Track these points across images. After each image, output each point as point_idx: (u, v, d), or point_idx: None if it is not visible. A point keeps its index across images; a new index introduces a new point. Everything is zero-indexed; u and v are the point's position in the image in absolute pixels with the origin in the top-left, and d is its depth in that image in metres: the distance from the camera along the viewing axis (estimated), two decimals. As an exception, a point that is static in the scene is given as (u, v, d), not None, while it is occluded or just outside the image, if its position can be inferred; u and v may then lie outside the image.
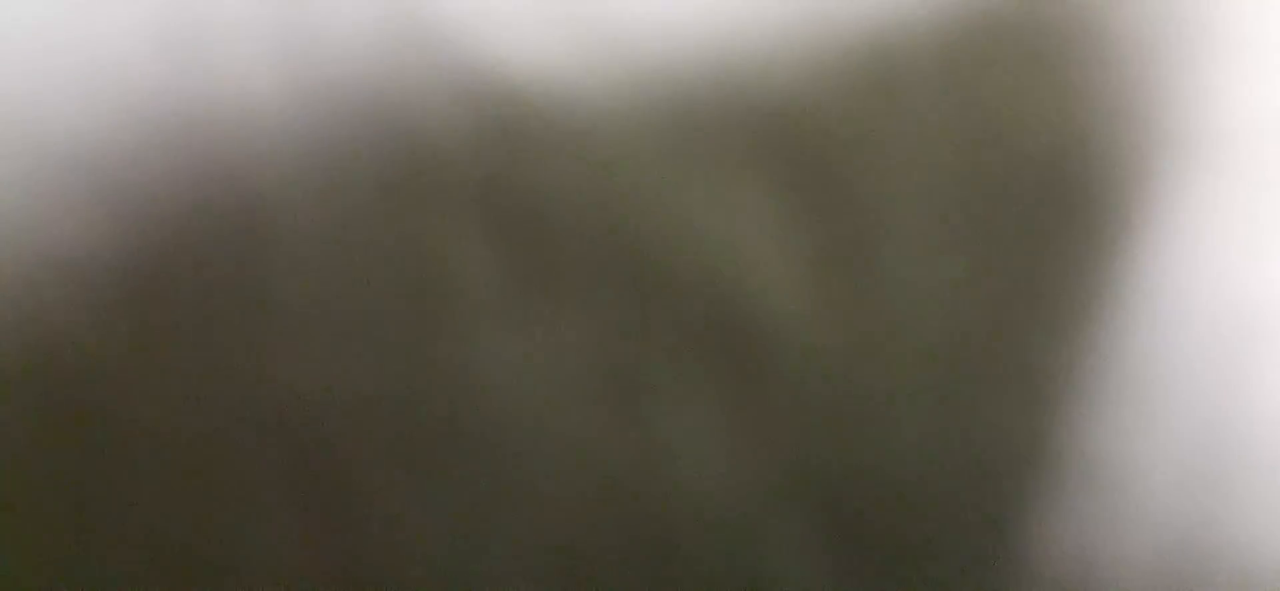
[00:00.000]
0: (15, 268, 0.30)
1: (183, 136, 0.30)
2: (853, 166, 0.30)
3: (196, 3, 0.30)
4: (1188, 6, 0.29)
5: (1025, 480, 0.30)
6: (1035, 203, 0.30)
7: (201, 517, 0.30)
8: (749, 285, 0.30)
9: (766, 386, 0.30)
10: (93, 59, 0.30)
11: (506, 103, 0.30)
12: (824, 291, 0.30)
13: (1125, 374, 0.30)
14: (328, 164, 0.30)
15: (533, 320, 0.30)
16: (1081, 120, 0.30)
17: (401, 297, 0.30)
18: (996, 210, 0.30)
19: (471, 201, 0.30)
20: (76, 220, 0.30)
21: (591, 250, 0.30)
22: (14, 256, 0.30)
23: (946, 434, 0.30)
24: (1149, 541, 0.30)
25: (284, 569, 0.30)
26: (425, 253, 0.30)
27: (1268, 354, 0.30)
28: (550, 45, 0.30)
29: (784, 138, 0.30)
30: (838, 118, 0.30)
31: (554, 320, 0.30)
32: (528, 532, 0.30)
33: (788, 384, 0.30)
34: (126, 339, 0.30)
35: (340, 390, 0.30)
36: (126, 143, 0.30)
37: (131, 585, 0.30)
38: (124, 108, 0.30)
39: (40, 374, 0.30)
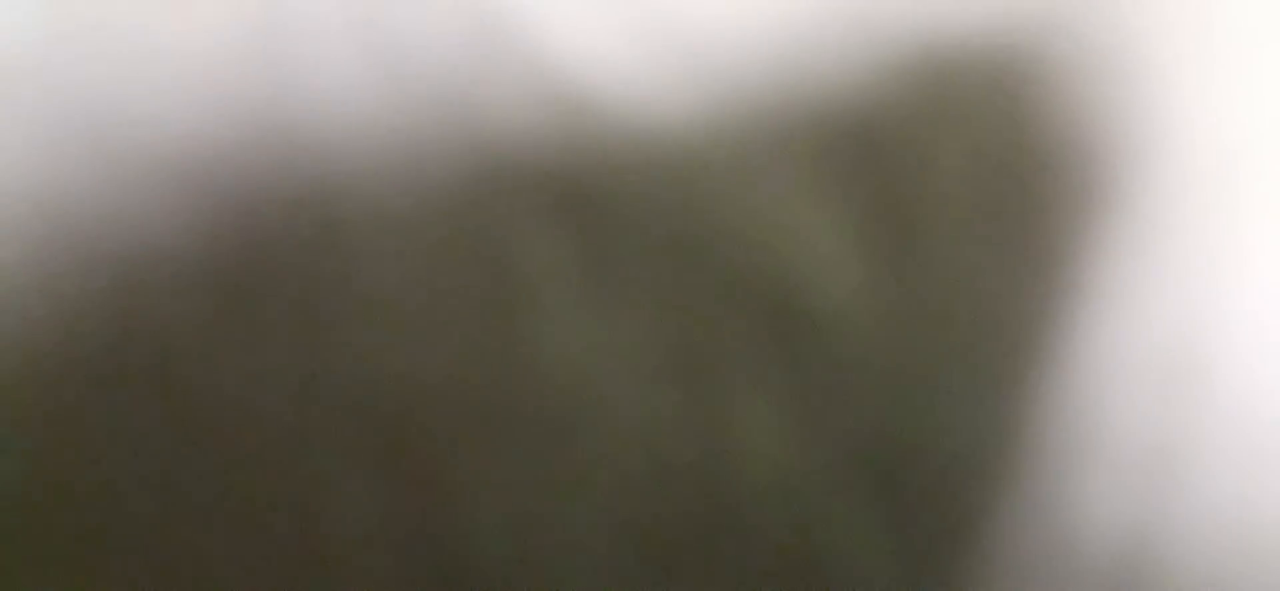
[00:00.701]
0: (112, 261, 0.31)
1: (271, 131, 0.31)
2: (902, 165, 0.31)
3: (284, 2, 0.31)
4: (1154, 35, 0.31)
5: (1063, 455, 0.31)
6: (1059, 199, 0.31)
7: (289, 493, 0.31)
8: (806, 275, 0.31)
9: (822, 370, 0.31)
10: (184, 57, 0.31)
11: (581, 104, 0.31)
12: (875, 280, 0.31)
13: (1173, 356, 0.31)
14: (410, 159, 0.31)
15: (603, 308, 0.31)
16: (1089, 126, 0.31)
17: (480, 286, 0.31)
18: (1028, 204, 0.31)
19: (546, 197, 0.31)
20: (171, 213, 0.31)
21: (658, 243, 0.31)
22: (110, 250, 0.31)
23: (988, 411, 0.31)
24: (1192, 522, 0.31)
25: (367, 540, 0.31)
26: (502, 244, 0.31)
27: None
28: (623, 50, 0.31)
29: (839, 138, 0.31)
30: (889, 120, 0.31)
31: (623, 308, 0.31)
32: (596, 507, 0.31)
33: (841, 367, 0.31)
34: (220, 326, 0.31)
35: (422, 373, 0.31)
36: (217, 138, 0.31)
37: (224, 560, 0.31)
38: (214, 104, 0.31)
39: (136, 363, 0.31)
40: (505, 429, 0.31)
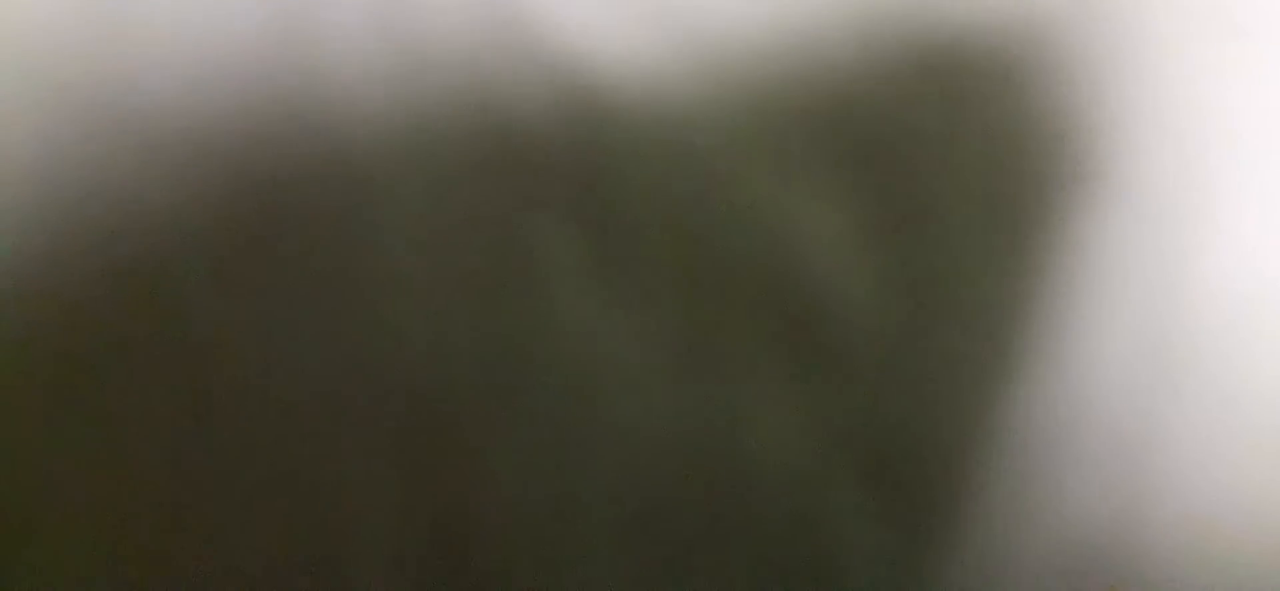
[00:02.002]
0: (137, 238, 0.32)
1: (294, 118, 0.32)
2: (907, 159, 0.32)
3: None
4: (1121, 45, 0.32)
5: (1056, 448, 0.32)
6: (1051, 193, 0.32)
7: (312, 462, 0.32)
8: (811, 266, 0.32)
9: (825, 359, 0.32)
10: (211, 46, 0.32)
11: (594, 94, 0.32)
12: (880, 272, 0.32)
13: (1156, 347, 0.32)
14: (428, 143, 0.32)
15: (615, 295, 0.32)
16: (1081, 121, 0.32)
17: (495, 272, 0.32)
18: (1024, 197, 0.32)
19: (561, 185, 0.32)
20: (195, 195, 0.32)
21: (669, 232, 0.32)
22: (136, 228, 0.32)
23: (986, 403, 0.32)
24: (1179, 511, 0.32)
25: (383, 519, 0.32)
26: (517, 231, 0.32)
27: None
28: (636, 41, 0.32)
29: (844, 132, 0.32)
30: (895, 114, 0.32)
31: (634, 295, 0.32)
32: (608, 488, 0.32)
33: (844, 357, 0.32)
34: (242, 306, 0.32)
35: (438, 355, 0.32)
36: (242, 123, 0.32)
37: (245, 526, 0.32)
38: (239, 91, 0.32)
39: (157, 340, 0.32)
40: (518, 412, 0.32)
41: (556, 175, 0.32)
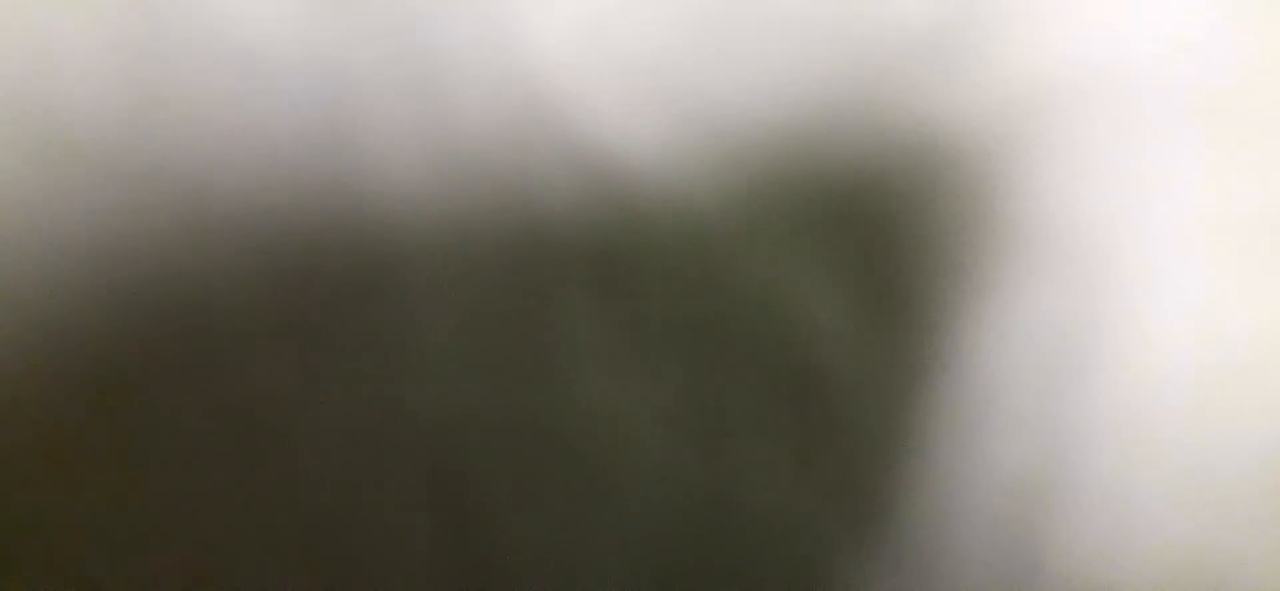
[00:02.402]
0: (182, 308, 0.34)
1: (332, 192, 0.34)
2: (897, 236, 0.34)
3: (350, 84, 0.34)
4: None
5: (1040, 503, 0.35)
6: (990, 252, 0.34)
7: (347, 523, 0.34)
8: (811, 336, 0.34)
9: (824, 421, 0.34)
10: (262, 136, 0.34)
11: (613, 178, 0.34)
12: (864, 341, 0.34)
13: (1118, 410, 0.35)
14: (460, 226, 0.34)
15: (629, 363, 0.34)
16: (1013, 201, 0.35)
17: (521, 342, 0.34)
18: (968, 257, 0.34)
19: (582, 263, 0.34)
20: (247, 271, 0.34)
21: (681, 305, 0.34)
22: (181, 298, 0.34)
23: (972, 460, 0.34)
24: (1143, 563, 0.35)
25: (415, 568, 0.34)
26: (541, 305, 0.34)
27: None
28: (651, 130, 0.34)
29: (836, 218, 0.34)
30: (877, 203, 0.34)
31: (647, 364, 0.34)
32: (621, 543, 0.34)
33: (841, 419, 0.34)
34: (288, 373, 0.34)
35: (467, 419, 0.34)
36: (290, 206, 0.34)
37: (281, 579, 0.34)
38: (288, 177, 0.34)
39: (204, 402, 0.34)
40: (540, 469, 0.34)
41: (579, 255, 0.34)
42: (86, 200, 0.34)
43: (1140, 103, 0.35)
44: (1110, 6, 0.35)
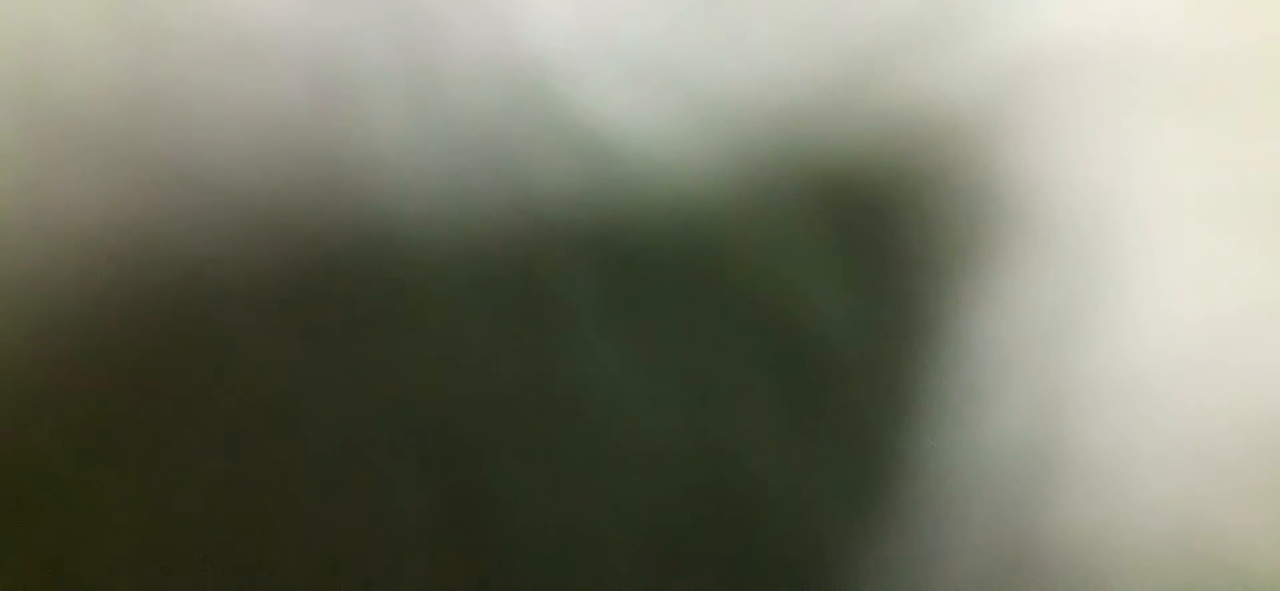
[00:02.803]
0: (187, 290, 0.34)
1: (332, 175, 0.34)
2: (892, 214, 0.35)
3: (347, 69, 0.34)
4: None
5: (1035, 481, 0.35)
6: (991, 242, 0.35)
7: (346, 497, 0.34)
8: (807, 312, 0.35)
9: (821, 397, 0.35)
10: (259, 115, 0.34)
11: (611, 160, 0.34)
12: (859, 318, 0.35)
13: (1113, 384, 0.35)
14: (459, 206, 0.34)
15: (628, 341, 0.34)
16: (1017, 187, 0.35)
17: (519, 318, 0.34)
18: (970, 247, 0.35)
19: (580, 242, 0.34)
20: (245, 249, 0.34)
21: (678, 285, 0.34)
22: (186, 280, 0.34)
23: (969, 434, 0.35)
24: (1141, 530, 0.35)
25: (412, 542, 0.34)
26: (539, 283, 0.34)
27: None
28: (649, 112, 0.34)
29: (837, 189, 0.35)
30: (875, 182, 0.35)
31: (645, 342, 0.34)
32: (620, 514, 0.35)
33: (838, 394, 0.35)
34: (287, 349, 0.34)
35: (466, 393, 0.34)
36: (287, 185, 0.34)
37: (283, 558, 0.34)
38: (285, 156, 0.34)
39: (209, 381, 0.34)
40: (539, 445, 0.35)
41: (576, 234, 0.34)
42: (86, 185, 0.34)
43: (1132, 79, 0.35)
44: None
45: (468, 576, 0.34)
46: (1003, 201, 0.35)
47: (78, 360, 0.34)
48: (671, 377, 0.35)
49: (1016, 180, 0.35)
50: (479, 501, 0.34)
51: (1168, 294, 0.35)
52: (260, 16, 0.34)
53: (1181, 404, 0.35)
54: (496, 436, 0.35)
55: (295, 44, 0.34)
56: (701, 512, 0.35)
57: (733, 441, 0.35)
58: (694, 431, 0.35)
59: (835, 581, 0.35)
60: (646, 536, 0.35)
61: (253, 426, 0.34)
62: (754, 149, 0.35)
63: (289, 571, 0.34)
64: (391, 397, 0.34)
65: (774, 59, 0.35)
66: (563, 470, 0.35)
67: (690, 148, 0.35)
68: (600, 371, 0.35)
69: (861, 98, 0.35)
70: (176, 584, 0.34)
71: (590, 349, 0.35)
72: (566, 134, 0.34)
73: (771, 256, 0.35)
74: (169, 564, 0.34)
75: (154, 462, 0.34)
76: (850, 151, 0.35)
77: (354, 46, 0.34)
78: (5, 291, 0.34)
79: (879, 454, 0.35)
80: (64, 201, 0.34)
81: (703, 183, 0.35)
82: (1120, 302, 0.35)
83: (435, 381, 0.34)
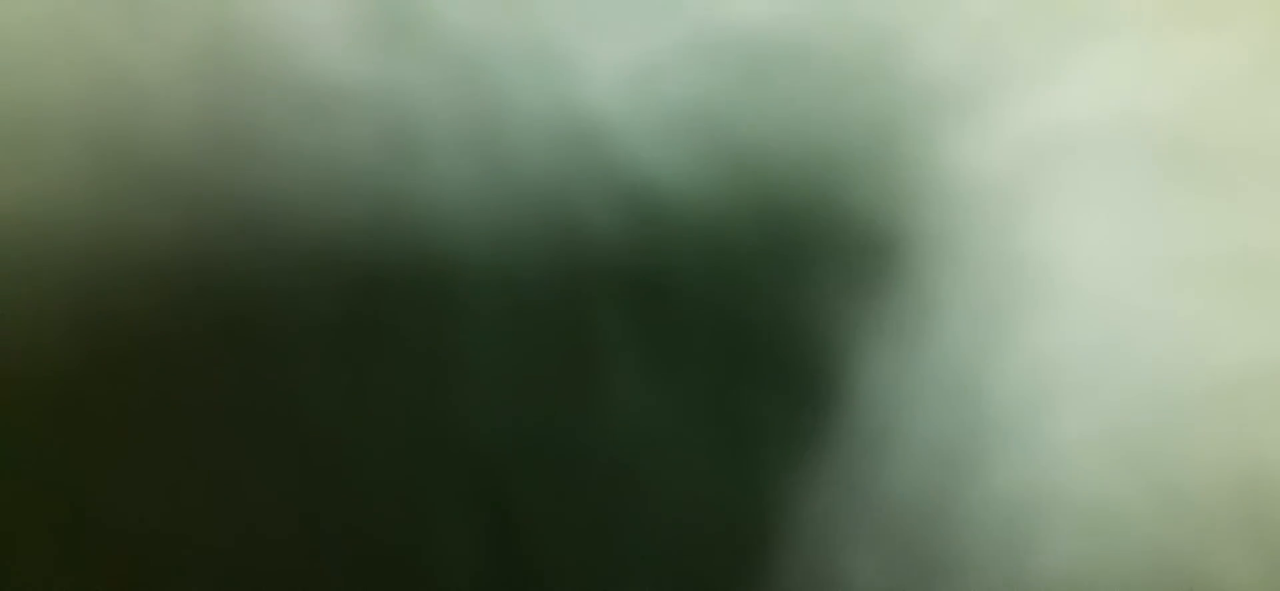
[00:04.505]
0: (259, 325, 0.35)
1: (392, 219, 0.36)
2: (907, 264, 0.36)
3: (412, 118, 0.36)
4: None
5: (1031, 515, 0.36)
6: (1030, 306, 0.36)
7: (389, 528, 0.35)
8: (830, 351, 0.36)
9: (842, 430, 0.36)
10: (329, 163, 0.36)
11: (652, 209, 0.36)
12: (888, 357, 0.36)
13: (1105, 431, 0.37)
14: (509, 248, 0.36)
15: (663, 379, 0.36)
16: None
17: (561, 355, 0.36)
18: (1002, 301, 0.37)
19: (621, 284, 0.36)
20: (311, 287, 0.36)
21: (709, 321, 0.36)
22: (259, 316, 0.35)
23: (973, 468, 0.36)
24: (1124, 565, 0.37)
25: (456, 567, 0.35)
26: (582, 324, 0.36)
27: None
28: (688, 166, 0.36)
29: (853, 232, 0.36)
30: (895, 227, 0.36)
31: (679, 379, 0.36)
32: (651, 538, 0.36)
33: (858, 430, 0.36)
34: (345, 379, 0.35)
35: (510, 430, 0.36)
36: (348, 223, 0.36)
37: (332, 579, 0.35)
38: (348, 196, 0.36)
39: (273, 414, 0.35)
40: (578, 476, 0.36)
41: (618, 277, 0.36)
42: (158, 219, 0.35)
43: (1120, 154, 0.37)
44: (1095, 71, 0.37)
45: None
46: (1008, 259, 0.37)
47: (148, 391, 0.35)
48: (702, 413, 0.36)
49: (1021, 240, 0.37)
50: (517, 536, 0.35)
51: (1157, 347, 0.36)
52: (333, 69, 0.36)
53: (1168, 454, 0.36)
54: (536, 467, 0.36)
55: (365, 97, 0.36)
56: (725, 538, 0.36)
57: (756, 470, 0.36)
58: (720, 462, 0.36)
59: None
60: (673, 559, 0.36)
61: (303, 453, 0.35)
62: (787, 197, 0.36)
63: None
64: (437, 432, 0.36)
65: (806, 120, 0.36)
66: (598, 500, 0.36)
67: (727, 197, 0.36)
68: (635, 408, 0.36)
69: (884, 157, 0.37)
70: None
71: (627, 387, 0.36)
72: (615, 186, 0.36)
73: (794, 293, 0.36)
74: (209, 583, 0.35)
75: (206, 482, 0.35)
76: (872, 205, 0.36)
77: (420, 100, 0.36)
78: (84, 326, 0.35)
79: (893, 488, 0.36)
80: (132, 233, 0.35)
81: (738, 230, 0.36)
82: (1113, 355, 0.37)
83: (480, 418, 0.36)
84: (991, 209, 0.37)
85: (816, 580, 0.36)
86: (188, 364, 0.35)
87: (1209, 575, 0.36)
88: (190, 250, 0.35)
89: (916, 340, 0.36)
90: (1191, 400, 0.37)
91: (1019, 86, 0.37)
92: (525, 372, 0.36)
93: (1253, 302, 0.37)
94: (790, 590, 0.36)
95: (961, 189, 0.37)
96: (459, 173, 0.36)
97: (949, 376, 0.36)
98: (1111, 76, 0.37)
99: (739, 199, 0.36)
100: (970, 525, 0.36)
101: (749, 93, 0.36)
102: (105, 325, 0.35)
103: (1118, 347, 0.37)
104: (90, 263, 0.35)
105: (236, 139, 0.36)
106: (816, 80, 0.37)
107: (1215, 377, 0.37)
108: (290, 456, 0.35)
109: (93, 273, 0.35)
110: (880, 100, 0.37)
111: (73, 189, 0.35)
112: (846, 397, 0.36)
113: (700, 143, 0.36)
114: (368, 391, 0.35)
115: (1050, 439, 0.36)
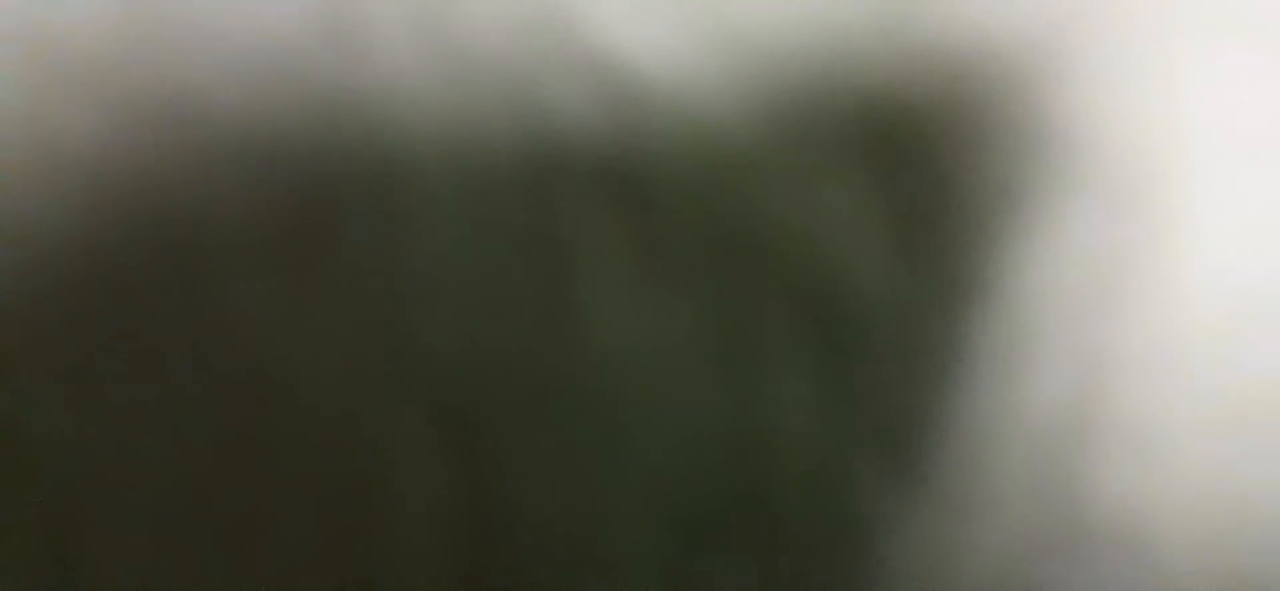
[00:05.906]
0: (183, 226, 0.33)
1: (339, 116, 0.33)
2: (924, 157, 0.33)
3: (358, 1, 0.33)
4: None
5: (1075, 444, 0.33)
6: (1035, 182, 0.33)
7: (352, 461, 0.33)
8: (838, 261, 0.33)
9: (852, 350, 0.33)
10: (258, 49, 0.33)
11: (634, 95, 0.33)
12: (901, 266, 0.33)
13: (1157, 336, 0.34)
14: (471, 143, 0.33)
15: (650, 289, 0.33)
16: (1066, 122, 0.34)
17: (532, 267, 0.33)
18: (1013, 188, 0.33)
19: (600, 182, 0.33)
20: (241, 189, 0.33)
21: (705, 229, 0.33)
22: (182, 216, 0.33)
23: (1006, 395, 0.33)
24: (1183, 494, 0.34)
25: (420, 506, 0.33)
26: (556, 226, 0.33)
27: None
28: (675, 43, 0.33)
29: (868, 129, 0.33)
30: (913, 115, 0.33)
31: (669, 290, 0.33)
32: (639, 477, 0.33)
33: (870, 348, 0.33)
34: (284, 297, 0.33)
35: (477, 346, 0.33)
36: (287, 121, 0.33)
37: (288, 520, 0.33)
38: (284, 90, 0.33)
39: (203, 322, 0.33)
40: (554, 401, 0.33)
41: (596, 174, 0.33)
42: (81, 119, 0.33)
43: (1178, 13, 0.34)
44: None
45: (476, 553, 0.33)
46: (1047, 142, 0.34)
47: (68, 297, 0.33)
48: (695, 333, 0.33)
49: (1062, 119, 0.34)
50: (486, 462, 0.33)
51: (1218, 247, 0.33)
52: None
53: (1226, 355, 0.33)
54: (507, 393, 0.33)
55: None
56: (722, 479, 0.33)
57: (759, 404, 0.33)
58: (718, 392, 0.33)
59: (865, 534, 0.33)
60: (670, 511, 0.33)
61: (246, 376, 0.33)
62: (785, 82, 0.33)
63: (287, 531, 0.33)
64: (394, 352, 0.33)
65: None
66: (576, 431, 0.33)
67: (716, 78, 0.33)
68: (619, 324, 0.33)
69: (900, 30, 0.33)
70: (166, 541, 0.33)
71: (609, 299, 0.33)
72: (583, 59, 0.33)
73: (803, 193, 0.33)
74: (158, 520, 0.33)
75: (144, 407, 0.33)
76: (887, 86, 0.33)
77: (359, -29, 0.33)
78: (1, 235, 0.33)
79: (915, 415, 0.33)
80: (58, 135, 0.33)
81: (729, 116, 0.33)
82: (1169, 256, 0.33)
83: (441, 336, 0.33)
84: (1023, 82, 0.34)
85: (826, 513, 0.33)
86: (109, 274, 0.33)
87: None
88: (111, 149, 0.33)
89: (944, 239, 0.33)
90: (1259, 299, 0.33)
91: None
92: (490, 286, 0.33)
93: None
94: (794, 526, 0.33)
95: (987, 63, 0.33)
96: (407, 59, 0.33)
97: (977, 279, 0.33)
98: None
99: (732, 79, 0.33)
100: (994, 443, 0.33)
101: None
102: (23, 234, 0.33)
103: (1168, 239, 0.33)
104: (4, 167, 0.33)
105: (157, 29, 0.33)
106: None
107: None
108: (231, 379, 0.33)
109: (6, 177, 0.33)
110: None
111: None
112: (858, 311, 0.33)
113: (686, 13, 0.33)
114: (309, 302, 0.33)
115: (1097, 344, 0.33)
